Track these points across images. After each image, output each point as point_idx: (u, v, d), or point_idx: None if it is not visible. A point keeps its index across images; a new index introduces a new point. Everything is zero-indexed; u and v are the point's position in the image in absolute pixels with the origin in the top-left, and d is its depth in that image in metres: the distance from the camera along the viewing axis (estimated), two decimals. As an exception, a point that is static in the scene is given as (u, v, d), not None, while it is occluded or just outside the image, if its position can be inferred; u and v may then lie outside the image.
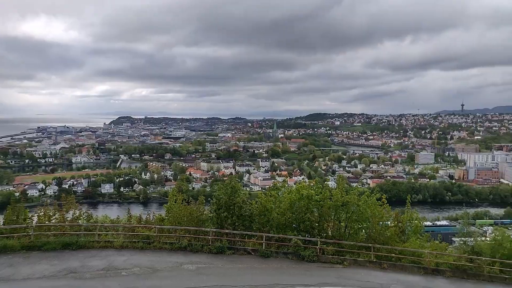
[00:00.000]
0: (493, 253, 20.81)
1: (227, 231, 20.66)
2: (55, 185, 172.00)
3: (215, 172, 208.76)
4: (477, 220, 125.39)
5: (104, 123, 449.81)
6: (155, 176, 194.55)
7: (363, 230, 22.33)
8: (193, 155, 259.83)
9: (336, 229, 22.11)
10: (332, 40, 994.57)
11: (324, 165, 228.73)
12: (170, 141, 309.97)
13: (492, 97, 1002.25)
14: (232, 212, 21.06)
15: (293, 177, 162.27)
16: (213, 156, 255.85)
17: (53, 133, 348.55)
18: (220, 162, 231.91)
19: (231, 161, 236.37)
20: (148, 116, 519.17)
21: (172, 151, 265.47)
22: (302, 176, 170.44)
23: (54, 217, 21.93)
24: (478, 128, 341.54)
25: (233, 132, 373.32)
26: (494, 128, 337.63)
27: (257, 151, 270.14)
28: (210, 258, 19.22)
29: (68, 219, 22.06)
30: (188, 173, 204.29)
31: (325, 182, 29.55)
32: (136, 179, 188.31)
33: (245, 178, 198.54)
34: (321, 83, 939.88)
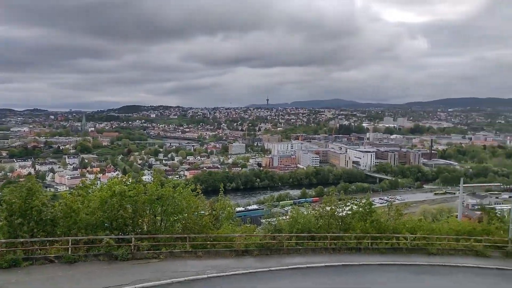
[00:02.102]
0: (290, 229, 23.95)
1: (22, 240, 17.72)
2: None
3: (8, 173, 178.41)
4: (280, 202, 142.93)
5: None
6: None
7: (179, 222, 22.53)
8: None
9: (152, 224, 21.69)
10: (146, 30, 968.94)
11: (140, 159, 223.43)
12: None
13: (291, 93, 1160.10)
14: (29, 217, 18.21)
15: (106, 174, 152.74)
16: (4, 154, 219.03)
17: None
18: (14, 161, 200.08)
19: (30, 160, 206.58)
20: None
21: None
22: (117, 172, 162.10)
23: None
24: (280, 121, 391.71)
25: (31, 126, 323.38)
26: (292, 120, 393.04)
27: (63, 147, 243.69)
28: (0, 274, 16.12)
29: None
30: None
31: (141, 177, 28.57)
32: None
33: (48, 178, 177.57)
34: (136, 74, 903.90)
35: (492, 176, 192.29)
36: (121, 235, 19.87)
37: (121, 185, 20.69)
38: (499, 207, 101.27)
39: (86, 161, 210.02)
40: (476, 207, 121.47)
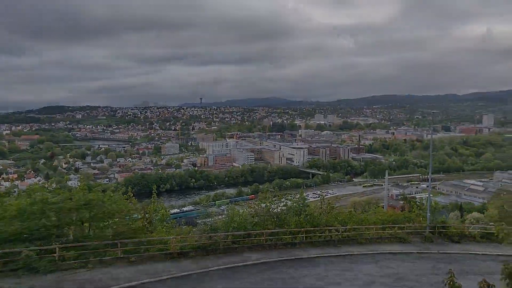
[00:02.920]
0: (226, 228, 23.82)
1: None
2: None
3: None
4: (216, 201, 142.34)
5: None
6: None
7: (110, 227, 21.42)
8: None
9: (79, 231, 20.34)
10: (70, 26, 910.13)
11: (65, 163, 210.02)
12: None
13: (224, 91, 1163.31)
14: None
15: (26, 180, 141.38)
16: None
17: None
18: None
19: None
20: None
21: None
22: (38, 178, 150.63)
23: None
24: (214, 119, 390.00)
25: None
26: (226, 119, 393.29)
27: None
28: None
29: None
30: None
31: (66, 182, 26.75)
32: None
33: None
34: (58, 72, 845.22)
35: (412, 167, 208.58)
36: (43, 245, 18.35)
37: (43, 192, 19.18)
38: (419, 196, 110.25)
39: (1, 167, 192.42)
40: (400, 196, 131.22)
